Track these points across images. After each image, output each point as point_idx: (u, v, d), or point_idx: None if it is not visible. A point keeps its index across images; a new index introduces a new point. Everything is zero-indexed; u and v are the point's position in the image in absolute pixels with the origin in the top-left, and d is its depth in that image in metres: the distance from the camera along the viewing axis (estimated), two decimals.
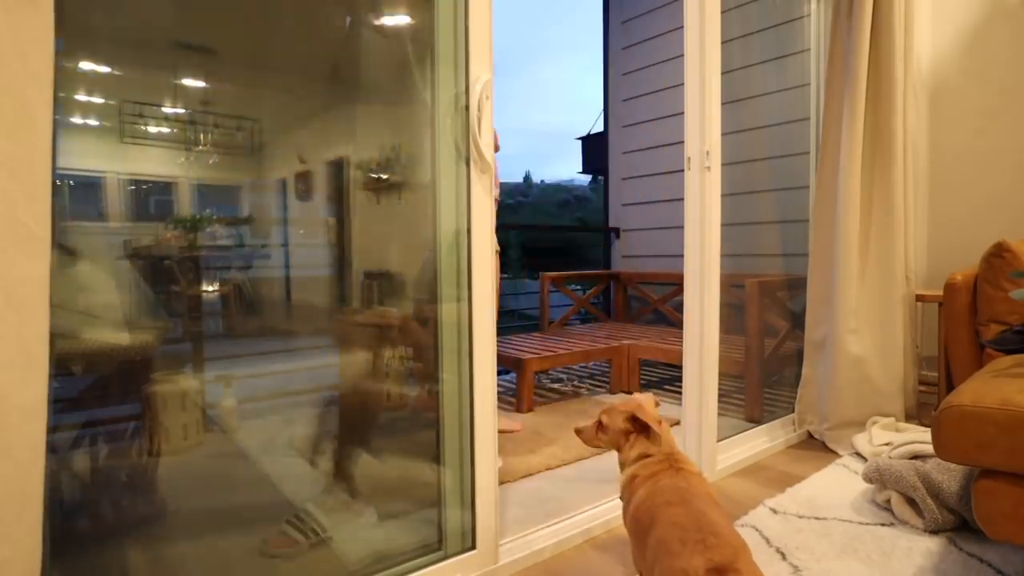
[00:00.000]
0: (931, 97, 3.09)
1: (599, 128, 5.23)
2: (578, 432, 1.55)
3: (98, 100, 1.98)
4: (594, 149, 5.41)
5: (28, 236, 0.86)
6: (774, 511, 1.94)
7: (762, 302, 2.83)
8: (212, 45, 2.16)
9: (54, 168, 0.89)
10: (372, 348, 1.99)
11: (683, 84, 2.17)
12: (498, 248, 1.58)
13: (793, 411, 2.71)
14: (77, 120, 1.97)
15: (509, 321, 5.85)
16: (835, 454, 2.46)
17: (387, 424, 2.54)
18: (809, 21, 2.93)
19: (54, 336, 0.89)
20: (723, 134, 2.18)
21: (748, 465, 2.37)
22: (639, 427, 1.43)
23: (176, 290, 2.19)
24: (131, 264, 2.07)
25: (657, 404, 1.50)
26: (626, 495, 1.36)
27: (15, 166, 0.85)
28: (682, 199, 2.19)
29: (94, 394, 1.75)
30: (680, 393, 2.27)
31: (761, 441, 2.51)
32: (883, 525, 1.82)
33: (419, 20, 1.59)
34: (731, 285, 2.64)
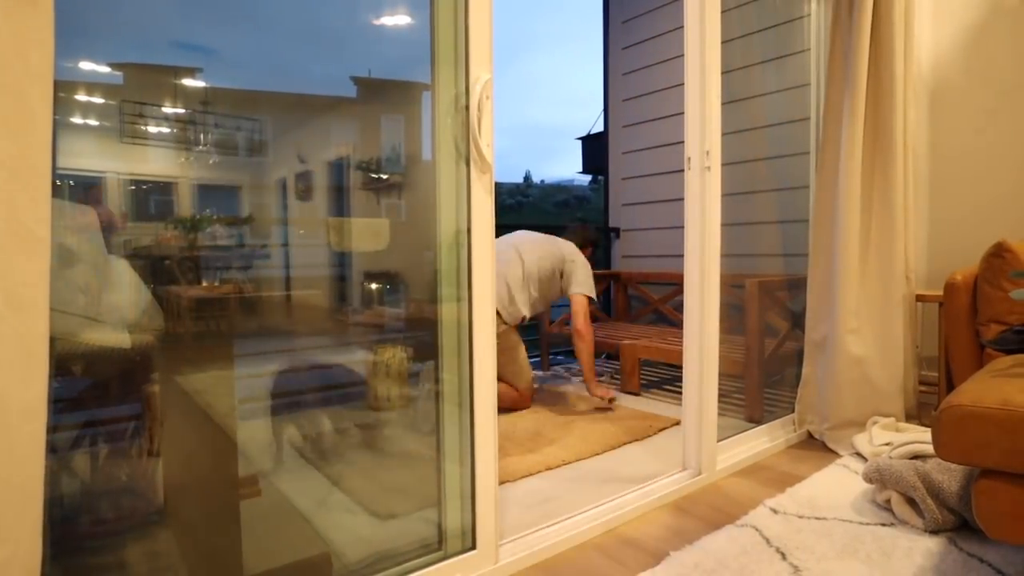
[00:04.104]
0: (931, 97, 3.09)
1: (599, 128, 5.24)
2: None
3: (98, 100, 1.98)
4: (594, 149, 5.41)
5: (28, 236, 0.86)
6: (774, 511, 1.94)
7: (762, 302, 2.83)
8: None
9: (54, 168, 0.89)
10: None
11: (683, 84, 2.17)
12: None
13: (793, 411, 2.71)
14: (77, 120, 1.97)
15: None
16: (835, 454, 2.46)
17: (386, 423, 2.54)
18: (809, 21, 2.93)
19: (54, 337, 0.89)
20: (723, 134, 2.18)
21: (748, 465, 2.37)
22: None
23: (175, 290, 2.19)
24: (131, 264, 2.07)
25: None
26: None
27: (16, 166, 0.85)
28: (682, 199, 2.19)
29: (94, 394, 1.75)
30: (680, 393, 2.27)
31: (761, 441, 2.51)
32: (883, 525, 1.82)
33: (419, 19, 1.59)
34: (731, 285, 2.65)
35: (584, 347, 3.22)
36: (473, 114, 1.51)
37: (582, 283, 3.27)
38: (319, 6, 2.38)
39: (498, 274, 3.17)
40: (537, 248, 3.31)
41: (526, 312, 3.21)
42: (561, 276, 3.30)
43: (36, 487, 0.88)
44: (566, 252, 3.34)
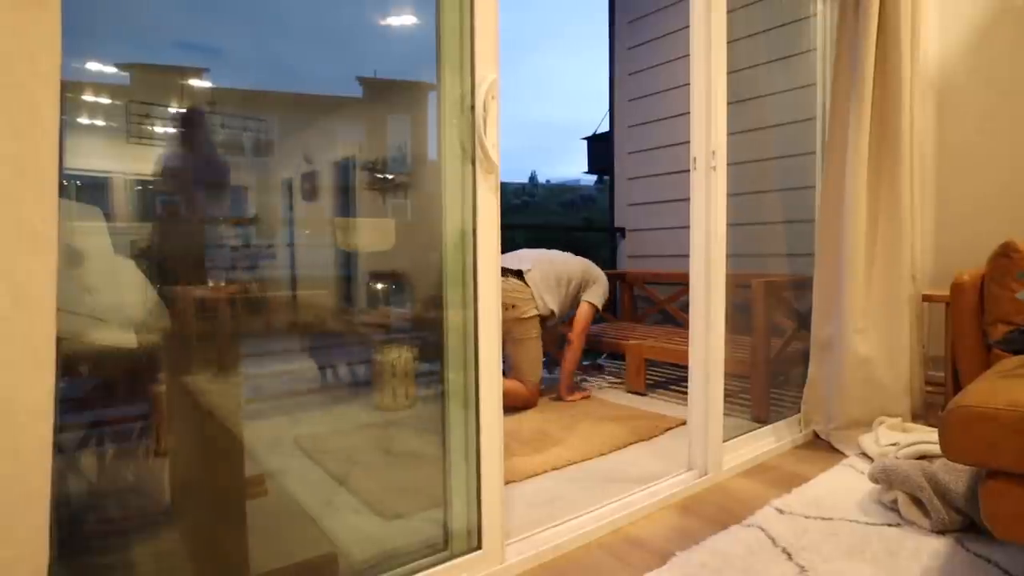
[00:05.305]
0: (938, 96, 3.07)
1: (605, 128, 5.24)
2: None
3: (105, 100, 1.99)
4: (600, 149, 5.41)
5: (35, 235, 0.86)
6: (780, 511, 1.93)
7: (768, 302, 2.82)
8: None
9: (61, 168, 0.89)
10: None
11: (689, 84, 2.16)
12: None
13: (799, 411, 2.70)
14: (84, 120, 1.98)
15: None
16: (841, 454, 2.45)
17: (390, 424, 2.54)
18: (815, 21, 2.92)
19: (60, 337, 0.90)
20: (729, 134, 2.17)
21: (754, 465, 2.36)
22: None
23: (181, 290, 2.20)
24: (137, 264, 2.08)
25: None
26: None
27: (22, 166, 0.85)
28: (688, 199, 2.19)
29: (101, 394, 1.76)
30: (686, 393, 2.27)
31: (767, 441, 2.50)
32: (890, 525, 1.82)
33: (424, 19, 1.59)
34: (737, 285, 2.64)
35: (571, 355, 3.44)
36: (479, 114, 1.51)
37: (595, 295, 3.52)
38: (325, 7, 2.38)
39: (534, 265, 3.38)
40: (571, 260, 3.56)
41: (554, 307, 3.36)
42: (580, 288, 3.54)
43: (43, 487, 0.89)
44: (593, 269, 3.61)
